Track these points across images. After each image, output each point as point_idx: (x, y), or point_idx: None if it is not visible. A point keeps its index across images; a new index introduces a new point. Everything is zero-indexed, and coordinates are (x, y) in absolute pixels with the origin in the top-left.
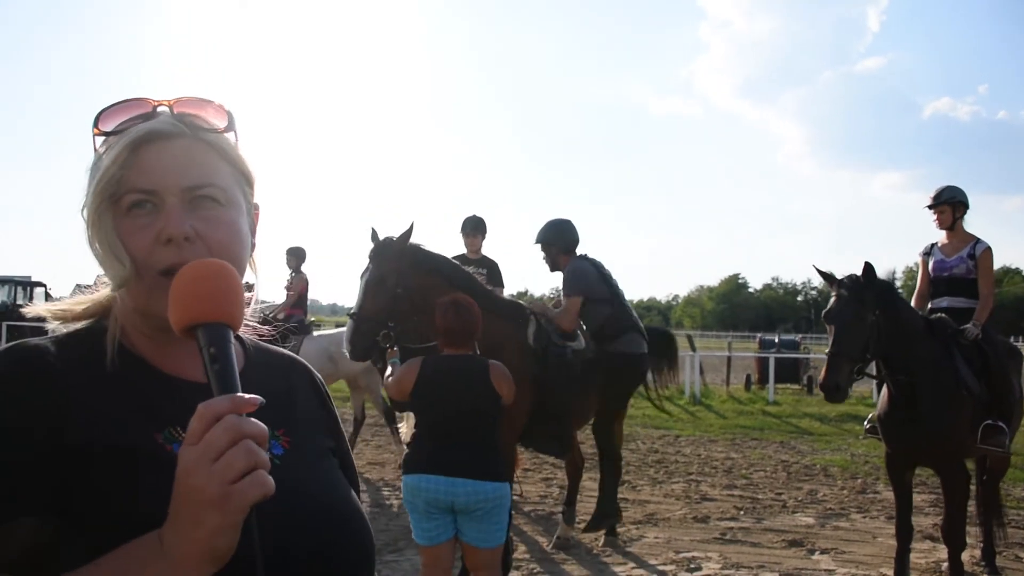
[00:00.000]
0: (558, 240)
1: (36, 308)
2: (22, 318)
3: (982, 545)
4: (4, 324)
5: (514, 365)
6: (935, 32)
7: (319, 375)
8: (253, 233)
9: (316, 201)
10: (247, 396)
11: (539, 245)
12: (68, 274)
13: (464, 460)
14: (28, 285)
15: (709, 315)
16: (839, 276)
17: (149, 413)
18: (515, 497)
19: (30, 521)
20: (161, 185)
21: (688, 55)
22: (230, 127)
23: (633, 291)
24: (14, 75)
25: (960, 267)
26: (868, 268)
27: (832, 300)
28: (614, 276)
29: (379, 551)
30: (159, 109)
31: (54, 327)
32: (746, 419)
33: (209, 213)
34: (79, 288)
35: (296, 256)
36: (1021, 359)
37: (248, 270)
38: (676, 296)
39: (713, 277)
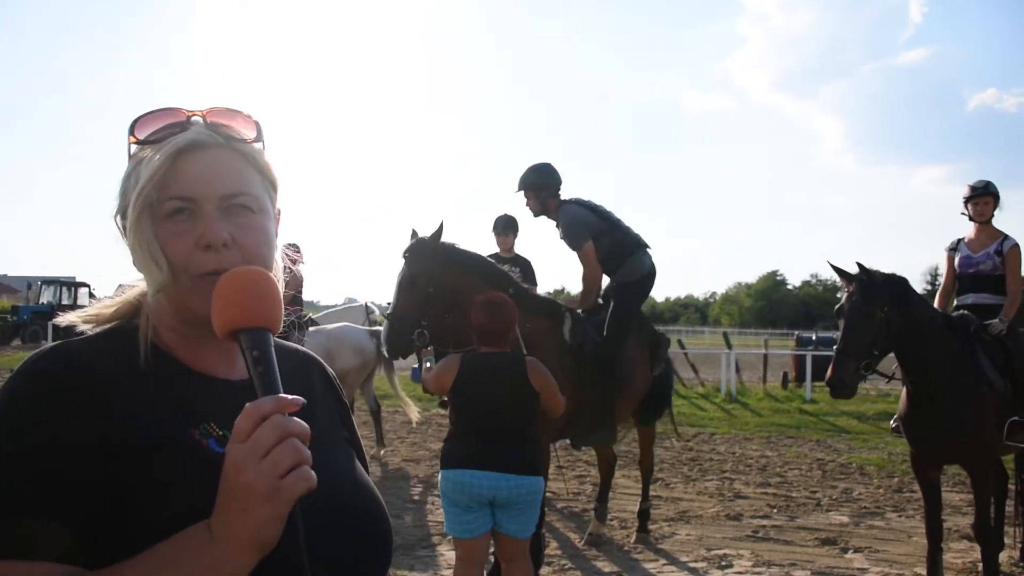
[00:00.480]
0: (545, 184)
1: (67, 317)
2: None
3: (1021, 545)
4: (50, 323)
5: (552, 363)
6: (980, 21)
7: (331, 369)
8: (276, 235)
9: (338, 199)
10: (290, 397)
11: (523, 192)
12: (112, 275)
13: (505, 455)
14: (73, 286)
15: (747, 312)
16: (856, 272)
17: (184, 409)
18: (548, 494)
19: (70, 521)
20: (200, 193)
21: (726, 49)
22: (259, 137)
23: (670, 289)
24: (51, 76)
25: (987, 263)
26: (862, 269)
27: (843, 296)
28: (597, 203)
29: (413, 546)
30: (193, 119)
31: (87, 330)
32: (782, 417)
33: (243, 220)
34: (121, 288)
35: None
36: None
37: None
38: (714, 293)
39: (751, 274)
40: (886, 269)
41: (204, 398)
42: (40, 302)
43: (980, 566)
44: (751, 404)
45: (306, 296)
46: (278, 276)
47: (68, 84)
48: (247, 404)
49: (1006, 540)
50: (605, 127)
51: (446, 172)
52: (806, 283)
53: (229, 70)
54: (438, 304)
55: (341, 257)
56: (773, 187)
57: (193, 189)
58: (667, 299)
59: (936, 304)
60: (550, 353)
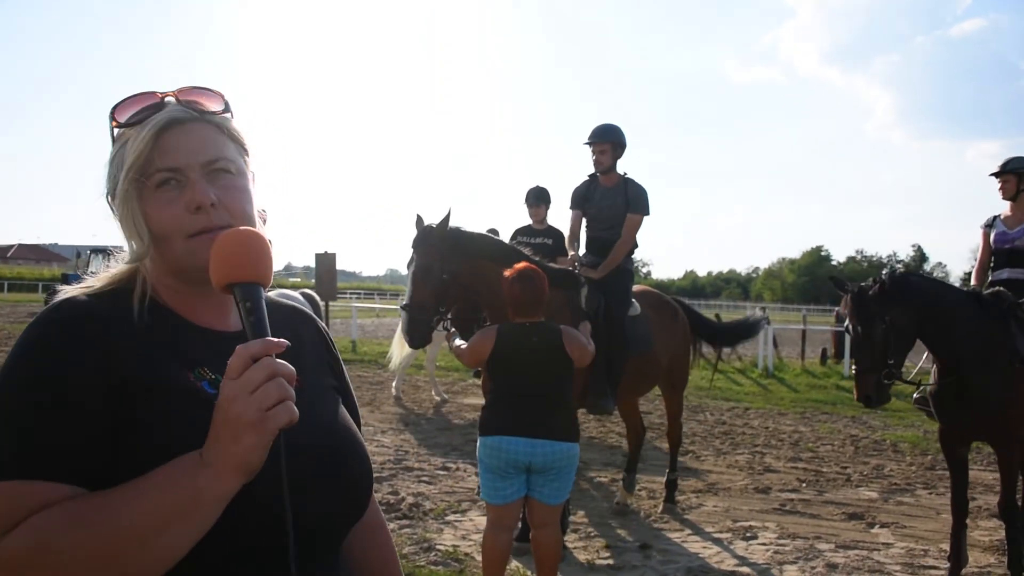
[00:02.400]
0: (622, 143)
1: (67, 290)
2: None
3: None
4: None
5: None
6: None
7: (322, 322)
8: (253, 194)
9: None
10: (277, 340)
11: (598, 144)
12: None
13: (542, 422)
14: (117, 252)
15: (790, 288)
16: (852, 284)
17: (180, 356)
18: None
19: (91, 450)
20: (184, 163)
21: (773, 21)
22: (227, 109)
23: (712, 263)
24: (98, 47)
25: (1022, 239)
26: (859, 289)
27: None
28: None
29: (443, 512)
30: (167, 99)
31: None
32: (819, 393)
33: (225, 182)
34: (116, 257)
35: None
36: None
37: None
38: (757, 268)
39: (795, 249)
40: (934, 246)
41: (199, 347)
42: (89, 270)
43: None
44: (788, 379)
45: (349, 267)
46: (263, 231)
47: (116, 55)
48: (239, 346)
49: None
50: (647, 101)
51: (446, 170)
52: (851, 259)
53: (229, 70)
54: (454, 289)
55: (340, 258)
56: (820, 162)
57: (177, 160)
58: (709, 273)
59: (973, 280)
60: (568, 321)
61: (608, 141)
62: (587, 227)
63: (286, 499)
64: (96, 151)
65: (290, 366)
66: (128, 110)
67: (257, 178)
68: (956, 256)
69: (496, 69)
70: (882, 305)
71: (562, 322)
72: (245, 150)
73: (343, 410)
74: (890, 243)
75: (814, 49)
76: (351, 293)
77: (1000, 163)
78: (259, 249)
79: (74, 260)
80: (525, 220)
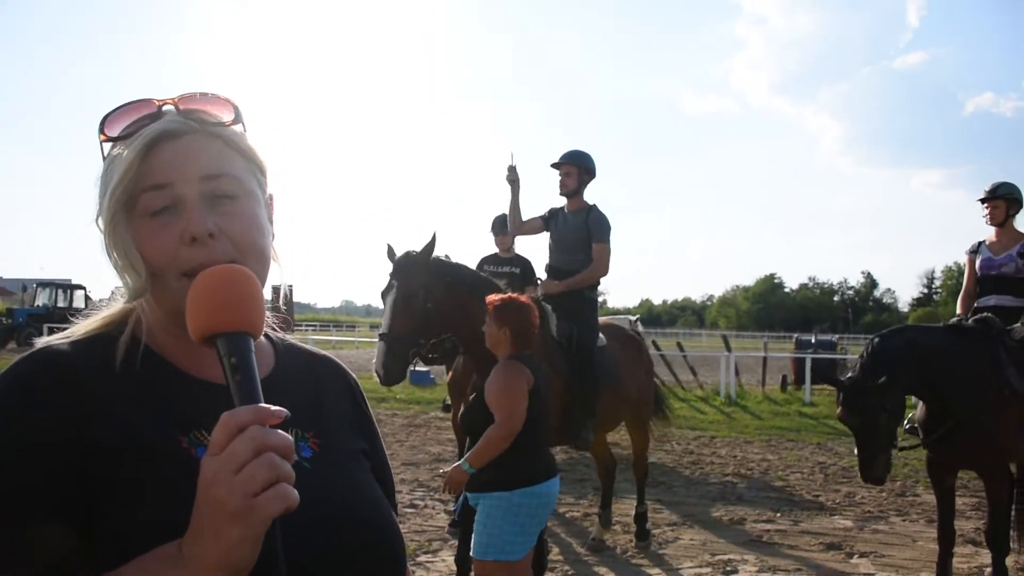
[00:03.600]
0: (589, 169)
1: (47, 339)
2: (64, 320)
3: None
4: (46, 326)
5: (542, 360)
6: (977, 26)
7: (353, 374)
8: (271, 222)
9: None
10: (272, 408)
11: (564, 166)
12: (108, 277)
13: (551, 458)
14: (69, 288)
15: (744, 315)
16: (844, 377)
17: (173, 416)
18: None
19: (59, 528)
20: (175, 176)
21: (724, 52)
22: (237, 119)
23: (667, 292)
24: (49, 77)
25: (1009, 265)
26: (854, 383)
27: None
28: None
29: (413, 553)
30: (164, 108)
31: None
32: (782, 420)
33: (228, 208)
34: (115, 292)
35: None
36: None
37: (272, 263)
38: (711, 296)
39: (749, 277)
40: (883, 272)
41: (197, 404)
42: (36, 304)
43: (987, 571)
44: (751, 407)
45: (304, 299)
46: (278, 265)
47: (66, 84)
48: (223, 414)
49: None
50: (603, 129)
51: (444, 172)
52: (803, 286)
53: (229, 70)
54: (437, 320)
55: (339, 259)
56: (771, 189)
57: (167, 175)
58: (664, 301)
59: (959, 308)
60: (541, 351)
61: (575, 164)
62: (549, 253)
63: None
64: (46, 179)
65: (286, 436)
66: (120, 122)
67: (276, 202)
68: (904, 282)
69: (451, 94)
70: (881, 397)
71: (535, 352)
72: (260, 168)
73: (371, 480)
74: (841, 269)
75: (764, 79)
76: (307, 325)
77: (988, 188)
78: (245, 291)
79: (20, 294)
80: (492, 248)
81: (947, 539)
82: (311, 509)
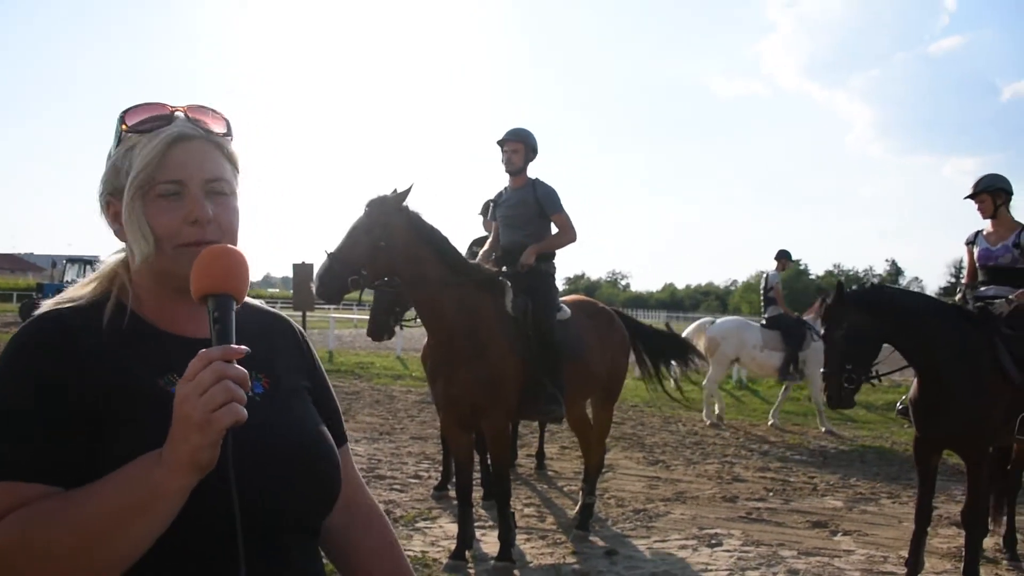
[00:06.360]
0: (533, 147)
1: (47, 304)
2: None
3: (1004, 532)
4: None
5: (493, 334)
6: (1018, 9)
7: (301, 329)
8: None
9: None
10: (235, 347)
11: (509, 144)
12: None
13: None
14: (95, 263)
15: None
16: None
17: (153, 363)
18: (550, 473)
19: (66, 441)
20: (188, 176)
21: (755, 35)
22: (229, 132)
23: (692, 276)
24: (74, 57)
25: (1005, 256)
26: (838, 286)
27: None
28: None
29: (414, 519)
30: (176, 114)
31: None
32: (791, 404)
33: (220, 201)
34: (99, 263)
35: None
36: None
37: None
38: (735, 281)
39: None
40: (910, 260)
41: (173, 354)
42: (65, 280)
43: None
44: (762, 391)
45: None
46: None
47: (97, 63)
48: (201, 350)
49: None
50: (631, 112)
51: (466, 159)
52: (829, 272)
53: (229, 70)
54: (383, 260)
55: (318, 268)
56: (799, 175)
57: (182, 173)
58: (687, 286)
59: (957, 298)
60: (492, 324)
61: (521, 141)
62: (500, 231)
63: (234, 493)
64: (73, 160)
65: (241, 369)
66: (137, 116)
67: (242, 199)
68: (932, 271)
69: (478, 76)
70: (841, 312)
71: (487, 326)
72: (238, 171)
73: (312, 411)
74: (867, 257)
75: (795, 63)
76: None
77: (972, 184)
78: (238, 266)
79: (50, 270)
80: (481, 232)
81: (924, 517)
82: (260, 432)
